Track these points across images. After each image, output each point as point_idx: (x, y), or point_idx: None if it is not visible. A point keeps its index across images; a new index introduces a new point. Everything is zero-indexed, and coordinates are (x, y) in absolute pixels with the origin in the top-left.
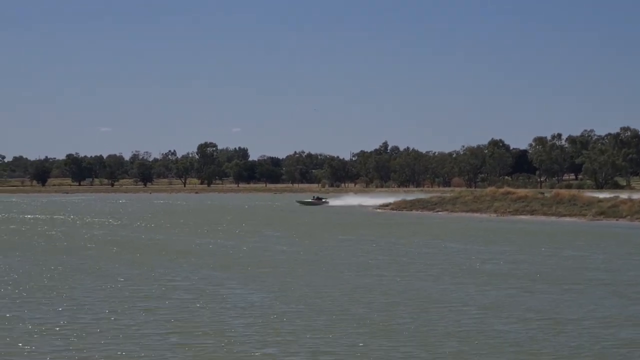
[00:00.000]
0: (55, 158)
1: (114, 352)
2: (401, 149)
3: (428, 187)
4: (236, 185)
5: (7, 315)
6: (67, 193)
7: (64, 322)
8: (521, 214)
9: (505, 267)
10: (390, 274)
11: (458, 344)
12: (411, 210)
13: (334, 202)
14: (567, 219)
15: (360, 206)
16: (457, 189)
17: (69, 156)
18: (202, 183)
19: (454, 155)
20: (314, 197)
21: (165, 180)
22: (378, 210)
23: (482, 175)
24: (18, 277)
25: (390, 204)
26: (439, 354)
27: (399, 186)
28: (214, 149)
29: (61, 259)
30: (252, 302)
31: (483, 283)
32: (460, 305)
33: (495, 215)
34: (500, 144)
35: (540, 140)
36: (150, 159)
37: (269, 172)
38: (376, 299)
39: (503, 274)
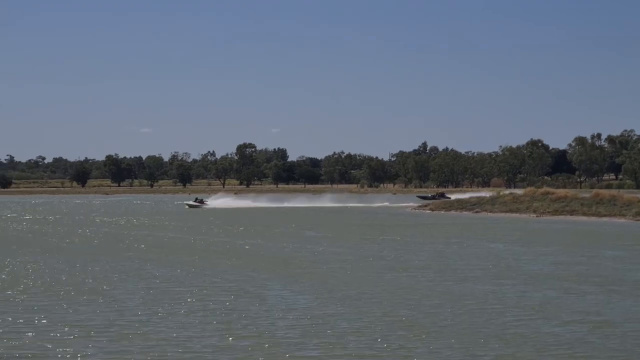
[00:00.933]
0: (94, 159)
1: (157, 354)
2: (440, 149)
3: (467, 187)
4: (275, 186)
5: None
6: (107, 194)
7: (108, 323)
8: (560, 214)
9: (548, 268)
10: (432, 275)
11: (504, 347)
12: (450, 210)
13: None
14: (607, 219)
15: (397, 207)
16: (497, 190)
17: (108, 157)
18: (241, 184)
19: (493, 156)
20: (196, 199)
21: (205, 181)
22: (416, 210)
23: (522, 175)
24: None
25: (428, 204)
26: (484, 357)
27: (437, 186)
28: (253, 149)
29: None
30: (294, 304)
31: (527, 284)
32: (505, 307)
33: (534, 215)
34: (539, 144)
35: (580, 140)
36: (190, 160)
37: (308, 172)
38: (419, 301)
39: (546, 275)
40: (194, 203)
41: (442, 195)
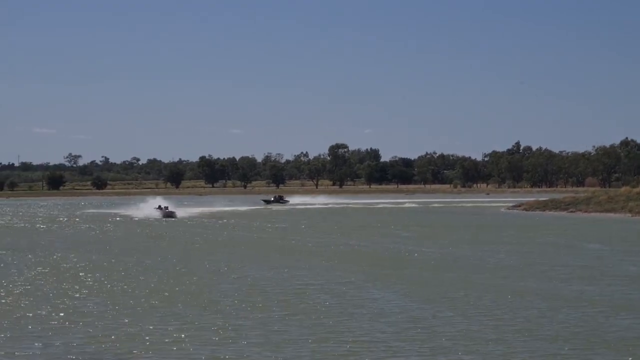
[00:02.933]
0: (188, 160)
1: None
2: (533, 148)
3: (561, 187)
4: (368, 186)
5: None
6: (201, 195)
7: (209, 325)
8: None
9: None
10: (529, 275)
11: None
12: (544, 210)
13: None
14: None
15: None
16: (591, 189)
17: (202, 158)
18: (333, 184)
19: (586, 155)
20: (274, 197)
21: (297, 181)
22: (509, 210)
23: (617, 175)
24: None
25: (522, 203)
26: None
27: (531, 186)
28: (346, 150)
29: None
30: (398, 307)
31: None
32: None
33: (630, 215)
34: (633, 144)
35: None
36: (282, 161)
37: (401, 173)
38: (523, 302)
39: None
40: (270, 199)
41: (281, 198)
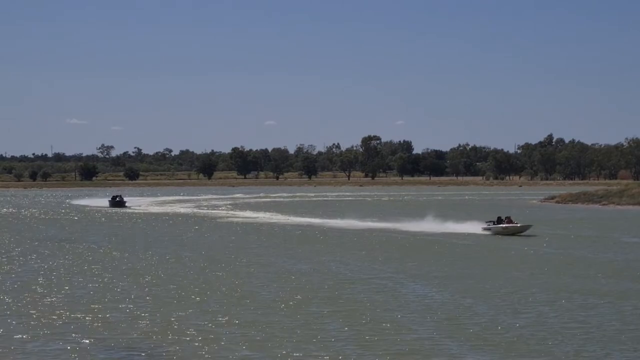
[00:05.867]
0: (220, 151)
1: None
2: (566, 141)
3: (594, 179)
4: (400, 178)
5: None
6: (233, 186)
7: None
8: None
9: None
10: (572, 272)
11: None
12: (576, 203)
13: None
14: None
15: (519, 199)
16: (624, 182)
17: (234, 149)
18: (366, 176)
19: (619, 148)
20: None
21: (330, 173)
22: (542, 203)
23: None
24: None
25: (555, 196)
26: None
27: (564, 179)
28: (378, 142)
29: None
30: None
31: None
32: None
33: None
34: None
35: None
36: (315, 152)
37: (433, 165)
38: (563, 300)
39: None
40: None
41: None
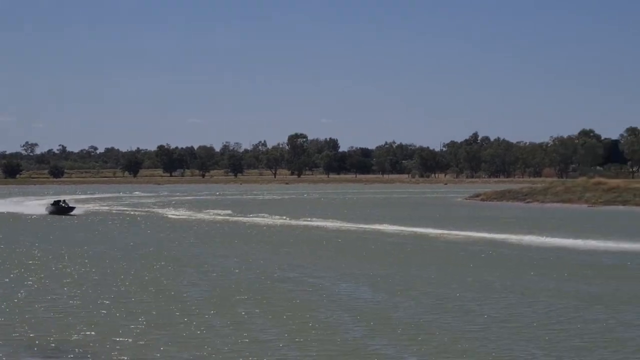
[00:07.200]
0: (146, 149)
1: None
2: (491, 139)
3: (519, 177)
4: (326, 176)
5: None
6: (159, 184)
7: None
8: (613, 204)
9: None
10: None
11: None
12: (501, 200)
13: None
14: None
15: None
16: (548, 180)
17: (160, 147)
18: (292, 174)
19: (544, 146)
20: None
21: (256, 171)
22: (467, 200)
23: (574, 165)
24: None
25: (480, 194)
26: None
27: (489, 177)
28: (304, 139)
29: None
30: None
31: None
32: None
33: (586, 205)
34: (591, 134)
35: (632, 131)
36: (241, 150)
37: (359, 163)
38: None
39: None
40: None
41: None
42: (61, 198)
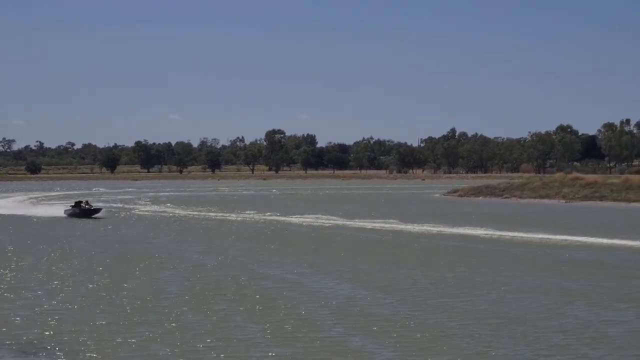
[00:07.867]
0: (124, 145)
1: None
2: (469, 135)
3: (496, 172)
4: (304, 171)
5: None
6: (136, 180)
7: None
8: (590, 200)
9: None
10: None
11: None
12: (479, 196)
13: None
14: (638, 204)
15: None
16: (525, 175)
17: (137, 143)
18: (269, 170)
19: (521, 142)
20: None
21: (233, 167)
22: (445, 196)
23: (551, 161)
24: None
25: (458, 190)
26: None
27: (466, 172)
28: (282, 135)
29: None
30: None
31: None
32: None
33: (563, 201)
34: (569, 130)
35: (609, 126)
36: (219, 146)
37: (337, 158)
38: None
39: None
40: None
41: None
42: (83, 199)
